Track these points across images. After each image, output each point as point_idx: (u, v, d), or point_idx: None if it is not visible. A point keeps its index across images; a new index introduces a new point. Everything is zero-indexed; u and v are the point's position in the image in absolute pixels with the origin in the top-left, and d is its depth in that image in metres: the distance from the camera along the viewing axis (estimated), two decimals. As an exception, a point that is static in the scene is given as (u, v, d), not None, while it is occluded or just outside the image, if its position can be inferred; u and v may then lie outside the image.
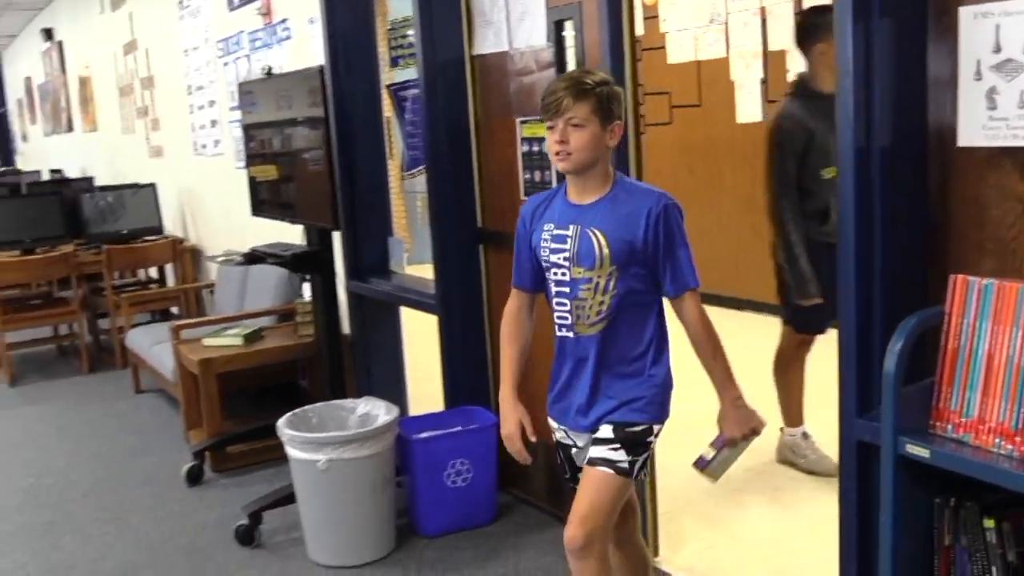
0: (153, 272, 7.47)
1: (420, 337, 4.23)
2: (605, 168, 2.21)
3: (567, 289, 2.23)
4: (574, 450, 2.38)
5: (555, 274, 2.25)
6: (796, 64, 5.64)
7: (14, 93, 15.20)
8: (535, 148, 3.34)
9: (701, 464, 2.35)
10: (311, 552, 3.40)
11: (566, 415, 2.35)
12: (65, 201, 6.77)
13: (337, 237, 4.13)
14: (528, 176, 3.41)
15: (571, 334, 2.26)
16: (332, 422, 3.53)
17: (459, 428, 3.54)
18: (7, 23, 12.20)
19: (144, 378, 5.69)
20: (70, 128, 10.97)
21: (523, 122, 3.39)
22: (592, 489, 2.23)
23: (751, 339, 6.00)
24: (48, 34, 11.03)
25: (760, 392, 4.76)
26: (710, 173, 6.70)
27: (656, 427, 2.28)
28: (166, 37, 6.74)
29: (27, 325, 6.46)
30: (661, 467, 3.15)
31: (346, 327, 4.26)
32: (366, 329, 4.29)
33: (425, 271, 3.91)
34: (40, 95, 12.57)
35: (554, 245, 2.23)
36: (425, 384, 4.20)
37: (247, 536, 3.53)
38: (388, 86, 4.16)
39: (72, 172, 10.36)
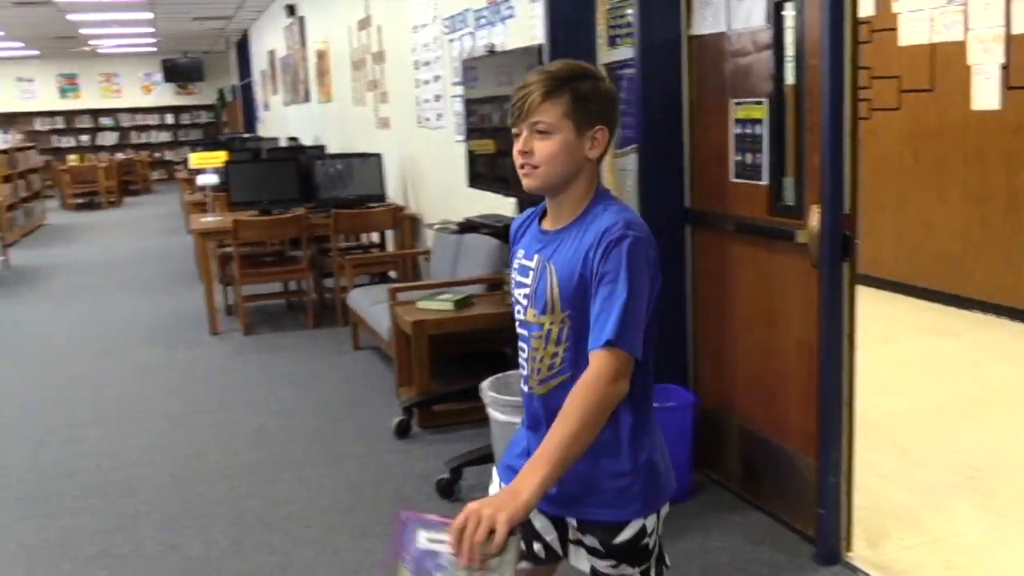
0: (375, 237, 7.91)
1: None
2: (586, 186, 1.75)
3: (525, 332, 1.81)
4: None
5: (517, 312, 1.83)
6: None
7: (259, 65, 16.35)
8: (748, 130, 3.32)
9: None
10: (506, 510, 3.55)
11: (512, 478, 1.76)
12: (299, 167, 7.24)
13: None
14: (739, 158, 3.39)
15: (526, 388, 1.83)
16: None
17: (654, 404, 3.58)
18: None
19: (362, 336, 6.05)
20: (307, 99, 11.71)
21: (737, 103, 3.37)
22: None
23: (974, 341, 5.72)
24: (291, 10, 11.80)
25: (973, 398, 4.55)
26: (938, 162, 6.36)
27: (649, 521, 1.79)
28: (397, 14, 7.08)
29: (261, 280, 7.00)
30: (860, 465, 3.09)
31: (551, 299, 4.38)
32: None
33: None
34: (281, 67, 13.47)
35: (518, 278, 1.83)
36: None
37: (448, 489, 3.74)
38: (605, 64, 4.22)
39: (307, 140, 11.09)
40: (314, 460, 4.25)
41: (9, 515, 3.83)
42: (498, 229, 4.14)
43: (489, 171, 4.46)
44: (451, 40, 5.91)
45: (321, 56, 10.47)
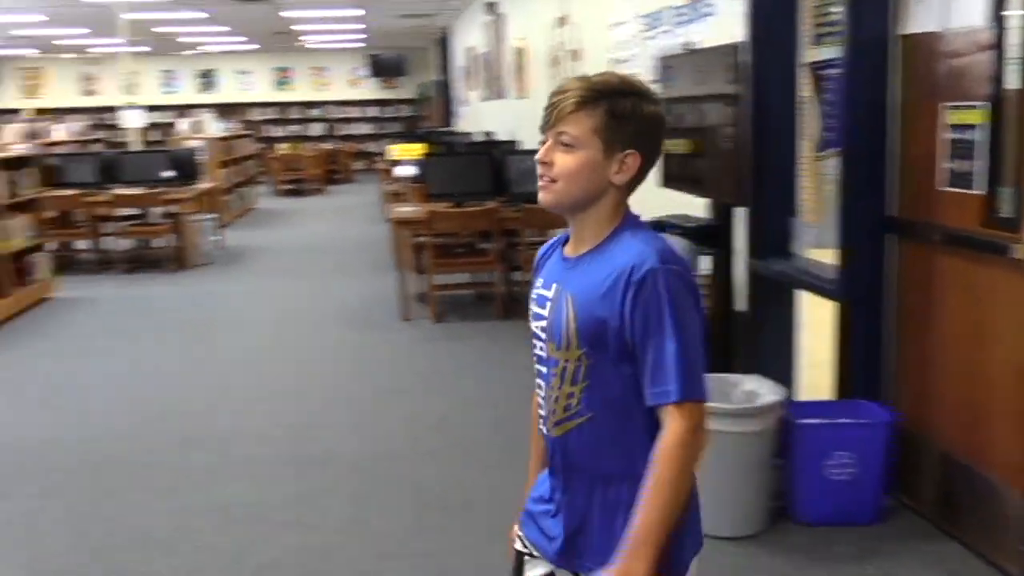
0: (562, 233, 7.95)
1: (813, 322, 4.15)
2: (610, 211, 1.62)
3: (544, 369, 1.68)
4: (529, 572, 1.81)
5: (535, 347, 1.71)
6: None
7: (458, 61, 16.78)
8: (961, 135, 3.13)
9: None
10: (683, 516, 3.50)
11: (531, 527, 1.81)
12: (493, 161, 7.38)
13: (738, 214, 4.15)
14: (950, 165, 3.20)
15: (544, 429, 1.72)
16: (716, 394, 3.58)
17: (847, 420, 3.45)
18: (458, -2, 13.53)
19: (546, 330, 6.11)
20: (503, 95, 11.92)
21: (952, 107, 3.18)
22: None
23: None
24: (491, 8, 12.04)
25: None
26: None
27: None
28: (595, 11, 7.09)
29: (452, 270, 7.20)
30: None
31: (738, 303, 4.29)
32: (761, 307, 4.28)
33: (830, 256, 3.82)
34: (480, 64, 13.78)
35: (535, 309, 1.70)
36: (813, 371, 4.11)
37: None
38: (809, 64, 4.08)
39: (503, 135, 11.29)
40: (494, 450, 4.33)
41: (213, 476, 4.11)
42: (688, 230, 4.09)
43: (682, 171, 4.40)
44: (648, 38, 5.86)
45: (519, 53, 10.63)
